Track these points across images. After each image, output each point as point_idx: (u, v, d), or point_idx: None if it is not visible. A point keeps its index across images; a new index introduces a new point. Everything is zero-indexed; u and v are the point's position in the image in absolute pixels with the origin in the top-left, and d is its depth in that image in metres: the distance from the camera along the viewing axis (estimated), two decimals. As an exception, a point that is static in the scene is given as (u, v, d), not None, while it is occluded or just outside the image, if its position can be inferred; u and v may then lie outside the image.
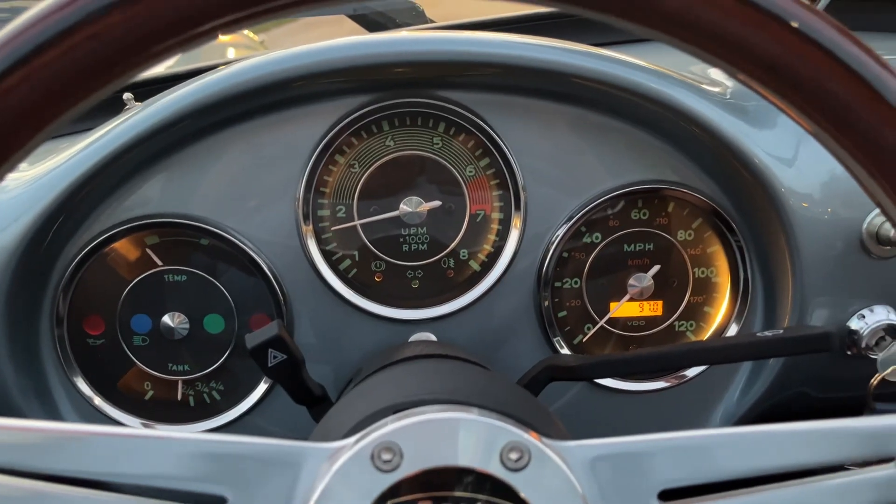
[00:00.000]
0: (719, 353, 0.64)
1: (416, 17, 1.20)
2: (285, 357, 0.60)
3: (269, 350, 0.60)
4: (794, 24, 0.36)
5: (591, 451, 0.46)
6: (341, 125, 0.78)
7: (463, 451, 0.43)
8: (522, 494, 0.43)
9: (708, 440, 0.48)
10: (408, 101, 0.79)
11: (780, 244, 0.79)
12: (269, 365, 0.61)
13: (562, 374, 0.70)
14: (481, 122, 0.79)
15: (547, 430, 0.48)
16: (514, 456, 0.43)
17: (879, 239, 0.77)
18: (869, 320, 0.80)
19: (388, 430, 0.43)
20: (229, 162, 0.79)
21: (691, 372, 0.85)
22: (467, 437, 0.43)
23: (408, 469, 0.43)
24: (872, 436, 0.47)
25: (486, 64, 0.75)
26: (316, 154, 0.79)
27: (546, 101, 0.79)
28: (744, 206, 0.81)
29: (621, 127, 0.80)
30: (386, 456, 0.43)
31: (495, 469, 0.43)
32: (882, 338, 0.80)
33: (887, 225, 0.76)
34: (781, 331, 0.64)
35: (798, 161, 0.77)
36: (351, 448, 0.43)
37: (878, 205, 0.41)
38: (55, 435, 0.40)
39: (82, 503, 0.40)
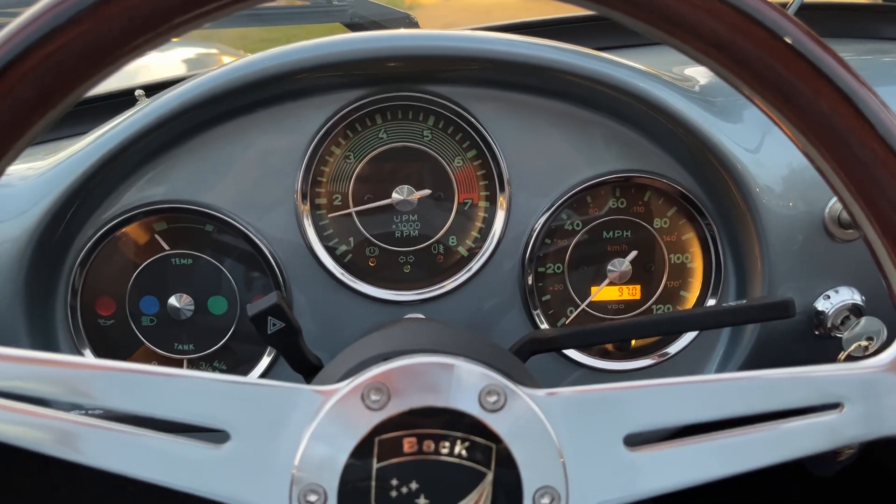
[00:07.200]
0: (688, 322, 0.69)
1: (410, 27, 1.26)
2: (284, 325, 0.65)
3: (269, 318, 0.65)
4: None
5: (561, 396, 0.51)
6: (337, 118, 0.84)
7: (445, 393, 0.48)
8: (498, 432, 0.48)
9: (668, 388, 0.53)
10: (399, 95, 0.84)
11: (749, 230, 0.84)
12: (269, 332, 0.65)
13: (543, 345, 0.75)
14: (468, 116, 0.84)
15: (522, 379, 0.53)
16: (491, 399, 0.48)
17: (841, 223, 0.82)
18: (834, 301, 0.85)
19: (378, 372, 0.48)
20: (232, 152, 0.84)
21: (673, 349, 0.90)
22: (449, 380, 0.48)
23: (394, 408, 0.48)
24: (821, 383, 0.52)
25: (471, 59, 0.80)
26: (313, 145, 0.84)
27: (529, 96, 0.84)
28: (714, 193, 0.87)
29: (599, 120, 0.85)
30: (375, 396, 0.48)
31: (474, 410, 0.48)
32: (847, 317, 0.85)
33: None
34: (745, 301, 0.69)
35: (763, 150, 0.82)
36: (343, 389, 0.48)
37: (819, 170, 0.46)
38: (70, 368, 0.45)
39: (95, 434, 0.45)
